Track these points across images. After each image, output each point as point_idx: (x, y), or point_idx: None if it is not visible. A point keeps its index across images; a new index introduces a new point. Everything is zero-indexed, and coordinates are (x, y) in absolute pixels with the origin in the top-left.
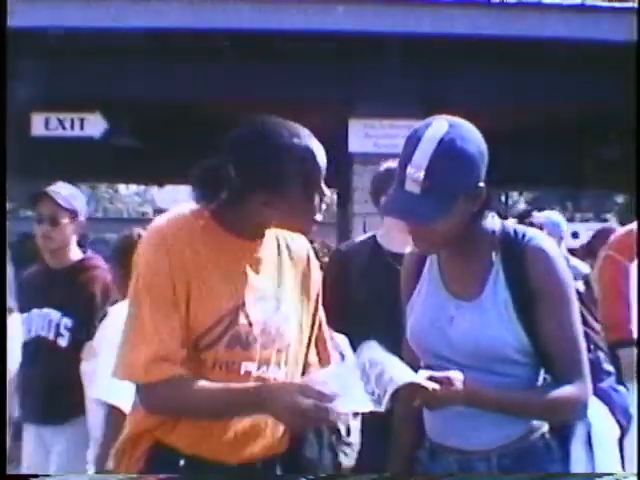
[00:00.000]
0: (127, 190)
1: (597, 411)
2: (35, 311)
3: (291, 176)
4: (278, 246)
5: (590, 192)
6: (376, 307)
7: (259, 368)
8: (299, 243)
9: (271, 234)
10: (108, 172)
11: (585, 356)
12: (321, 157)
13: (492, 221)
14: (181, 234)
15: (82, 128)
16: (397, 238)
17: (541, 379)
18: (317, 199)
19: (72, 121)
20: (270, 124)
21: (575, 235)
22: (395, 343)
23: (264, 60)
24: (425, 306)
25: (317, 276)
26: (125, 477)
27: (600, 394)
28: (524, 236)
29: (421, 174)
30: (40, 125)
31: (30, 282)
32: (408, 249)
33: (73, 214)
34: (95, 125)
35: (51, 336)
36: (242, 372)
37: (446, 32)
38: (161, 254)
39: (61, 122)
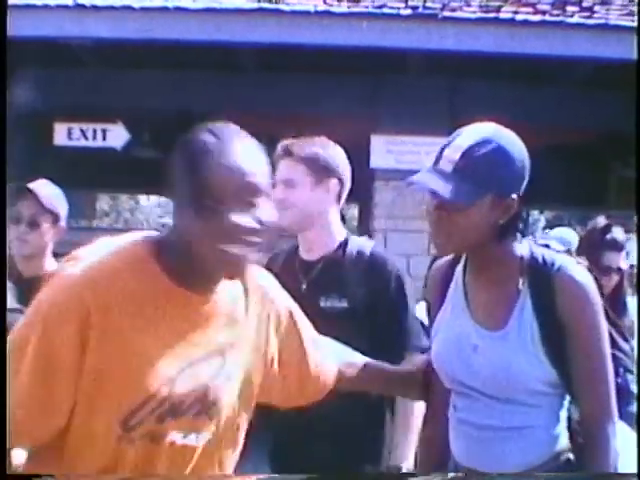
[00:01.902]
0: (148, 201)
1: (624, 435)
2: None
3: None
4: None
5: (611, 212)
6: None
7: (185, 437)
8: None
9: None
10: (129, 183)
11: (612, 390)
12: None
13: (520, 245)
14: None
15: (104, 139)
16: (306, 247)
17: (565, 408)
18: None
19: (94, 131)
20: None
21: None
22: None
23: (287, 74)
24: (448, 331)
25: (281, 308)
26: (125, 477)
27: (628, 418)
28: (554, 263)
29: (457, 155)
30: (63, 135)
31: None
32: (315, 257)
33: (55, 217)
34: (117, 136)
35: None
36: (167, 442)
37: (470, 49)
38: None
39: (83, 132)
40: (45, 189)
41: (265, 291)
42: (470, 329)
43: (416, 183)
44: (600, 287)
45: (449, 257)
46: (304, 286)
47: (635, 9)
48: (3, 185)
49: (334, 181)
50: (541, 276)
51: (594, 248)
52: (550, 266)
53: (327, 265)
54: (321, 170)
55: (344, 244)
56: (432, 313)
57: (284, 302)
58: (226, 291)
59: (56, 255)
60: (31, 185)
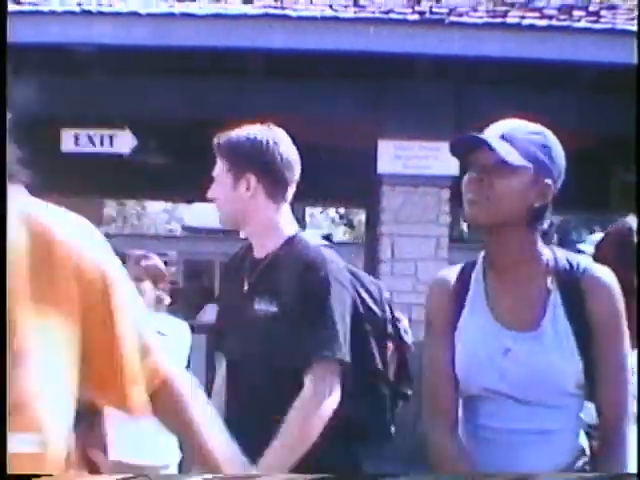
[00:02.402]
0: (154, 207)
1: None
2: None
3: None
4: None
5: (617, 216)
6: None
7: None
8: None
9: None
10: (136, 189)
11: (630, 392)
12: None
13: (545, 247)
14: None
15: (112, 145)
16: (254, 244)
17: (585, 410)
18: None
19: (102, 138)
20: None
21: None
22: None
23: (294, 79)
24: (472, 337)
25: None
26: (126, 477)
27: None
28: (579, 265)
29: (505, 127)
30: (70, 141)
31: None
32: (261, 255)
33: None
34: (124, 142)
35: None
36: None
37: (477, 54)
38: None
39: (91, 138)
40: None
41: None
42: (498, 333)
43: (474, 137)
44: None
45: (454, 269)
46: (246, 286)
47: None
48: (3, 185)
49: (254, 178)
50: (568, 277)
51: (622, 247)
52: (576, 267)
53: (269, 264)
54: (242, 165)
55: (290, 241)
56: (443, 324)
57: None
58: None
59: None
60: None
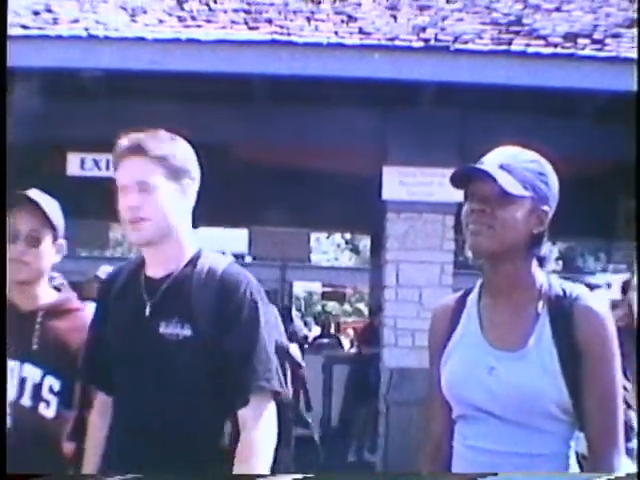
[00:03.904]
0: None
1: (627, 470)
2: None
3: None
4: None
5: (623, 243)
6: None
7: None
8: None
9: None
10: None
11: (620, 421)
12: None
13: (539, 273)
14: None
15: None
16: (153, 261)
17: (575, 438)
18: None
19: (107, 161)
20: None
21: (609, 286)
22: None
23: (299, 105)
24: (462, 356)
25: None
26: (126, 477)
27: (628, 454)
28: (572, 293)
29: (503, 157)
30: (76, 165)
31: None
32: (161, 274)
33: (55, 233)
34: None
35: (27, 402)
36: None
37: (482, 81)
38: None
39: (96, 162)
40: (45, 199)
41: None
42: (485, 352)
43: (475, 168)
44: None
45: (455, 295)
46: (148, 309)
47: None
48: (3, 186)
49: (190, 183)
50: (560, 304)
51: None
52: (569, 295)
53: (173, 284)
54: (178, 171)
55: (195, 259)
56: (439, 346)
57: None
58: None
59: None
60: (31, 193)
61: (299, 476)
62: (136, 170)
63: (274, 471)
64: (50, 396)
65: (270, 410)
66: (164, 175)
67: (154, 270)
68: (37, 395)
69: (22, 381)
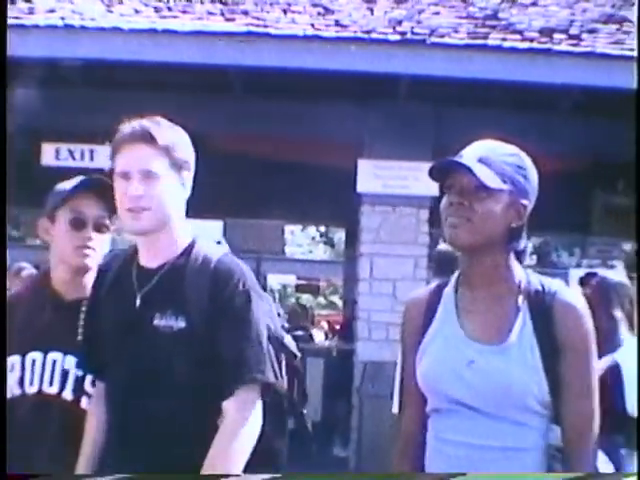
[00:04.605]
0: None
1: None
2: (36, 357)
3: None
4: None
5: (598, 239)
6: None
7: None
8: None
9: None
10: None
11: (597, 412)
12: None
13: (518, 267)
14: None
15: (92, 159)
16: (147, 251)
17: (550, 432)
18: None
19: (82, 152)
20: None
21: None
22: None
23: (275, 97)
24: (438, 350)
25: None
26: (126, 477)
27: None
28: (550, 288)
29: (481, 150)
30: (51, 155)
31: (30, 319)
32: (155, 264)
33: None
34: (105, 156)
35: (69, 395)
36: None
37: (458, 75)
38: None
39: (71, 152)
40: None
41: None
42: (464, 345)
43: (453, 161)
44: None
45: (428, 287)
46: (138, 300)
47: (622, 37)
48: (3, 185)
49: (189, 175)
50: (539, 298)
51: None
52: (548, 290)
53: (167, 275)
54: (180, 161)
55: (189, 249)
56: (415, 336)
57: None
58: None
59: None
60: (94, 178)
61: (268, 476)
62: (141, 158)
63: (270, 462)
64: (92, 389)
65: (256, 403)
66: (168, 165)
67: (148, 260)
68: (79, 388)
69: (64, 374)
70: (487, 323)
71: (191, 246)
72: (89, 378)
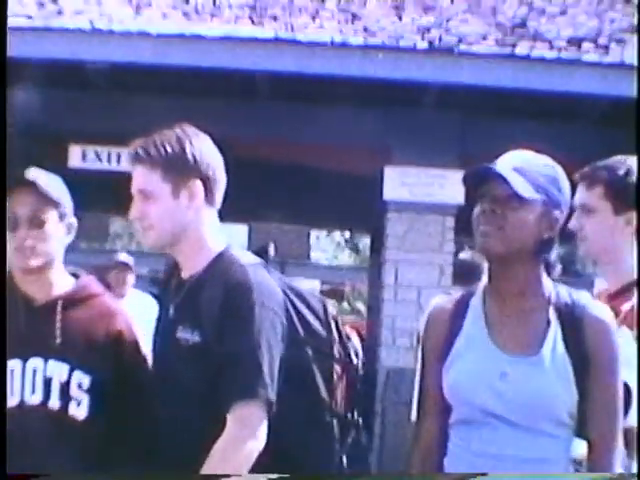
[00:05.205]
0: None
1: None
2: (16, 366)
3: None
4: None
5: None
6: None
7: None
8: None
9: None
10: None
11: (621, 425)
12: None
13: (547, 280)
14: None
15: (119, 162)
16: (181, 263)
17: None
18: None
19: (109, 154)
20: None
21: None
22: None
23: (302, 104)
24: (470, 360)
25: None
26: (127, 477)
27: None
28: (580, 300)
29: (517, 161)
30: (77, 157)
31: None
32: (186, 275)
33: (60, 210)
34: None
35: (56, 404)
36: None
37: (485, 84)
38: None
39: (98, 155)
40: (43, 175)
41: None
42: (495, 357)
43: (488, 168)
44: None
45: (453, 297)
46: (172, 311)
47: None
48: (3, 185)
49: (198, 182)
50: (569, 311)
51: None
52: (577, 303)
53: (193, 286)
54: (180, 172)
55: (218, 259)
56: (438, 350)
57: None
58: None
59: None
60: (26, 173)
61: (274, 476)
62: (137, 179)
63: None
64: (80, 394)
65: (256, 420)
66: (163, 180)
67: (185, 270)
68: (66, 394)
69: (47, 381)
70: (518, 335)
71: (221, 254)
72: (75, 383)
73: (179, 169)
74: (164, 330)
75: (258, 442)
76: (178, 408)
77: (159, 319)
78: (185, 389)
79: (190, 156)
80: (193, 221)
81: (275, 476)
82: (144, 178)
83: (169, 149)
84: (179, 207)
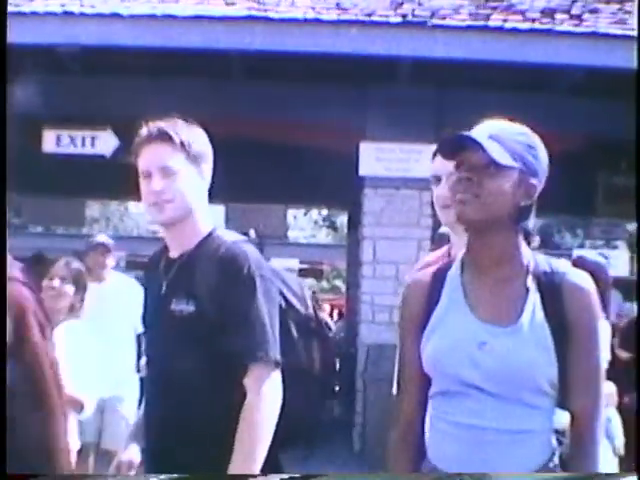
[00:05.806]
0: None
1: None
2: None
3: None
4: None
5: (601, 220)
6: None
7: None
8: None
9: None
10: (118, 190)
11: (603, 393)
12: None
13: (526, 249)
14: None
15: (93, 145)
16: (172, 243)
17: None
18: None
19: (83, 138)
20: None
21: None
22: None
23: (275, 82)
24: (447, 331)
25: None
26: (125, 477)
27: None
28: (559, 269)
29: (494, 128)
30: (52, 142)
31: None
32: (177, 253)
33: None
34: (106, 143)
35: None
36: None
37: (459, 57)
38: None
39: (72, 139)
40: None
41: None
42: (474, 327)
43: (464, 136)
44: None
45: (429, 269)
46: (164, 287)
47: (624, 17)
48: (3, 185)
49: (208, 167)
50: (547, 279)
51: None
52: (556, 271)
53: (184, 263)
54: (197, 155)
55: (206, 238)
56: (416, 322)
57: None
58: None
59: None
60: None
61: (286, 476)
62: (159, 155)
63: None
64: None
65: (273, 378)
66: (185, 159)
67: (172, 250)
68: None
69: None
70: (497, 305)
71: (209, 235)
72: None
73: (194, 152)
74: (157, 307)
75: (278, 399)
76: (183, 377)
77: (150, 298)
78: (188, 355)
79: (204, 143)
80: (200, 200)
81: (287, 476)
82: (166, 155)
83: (185, 133)
84: (193, 185)
